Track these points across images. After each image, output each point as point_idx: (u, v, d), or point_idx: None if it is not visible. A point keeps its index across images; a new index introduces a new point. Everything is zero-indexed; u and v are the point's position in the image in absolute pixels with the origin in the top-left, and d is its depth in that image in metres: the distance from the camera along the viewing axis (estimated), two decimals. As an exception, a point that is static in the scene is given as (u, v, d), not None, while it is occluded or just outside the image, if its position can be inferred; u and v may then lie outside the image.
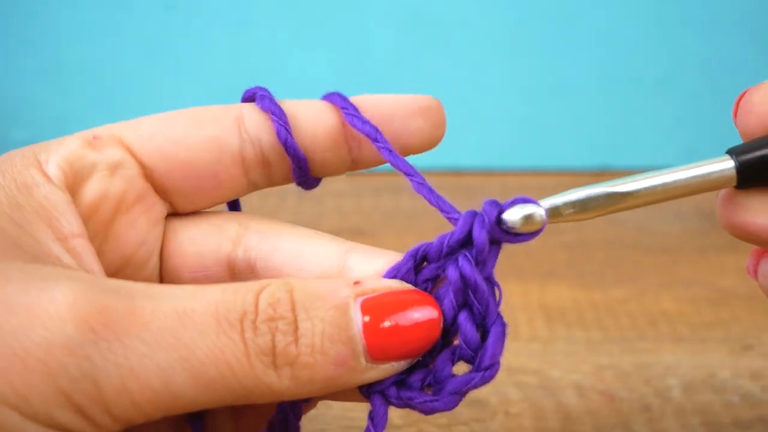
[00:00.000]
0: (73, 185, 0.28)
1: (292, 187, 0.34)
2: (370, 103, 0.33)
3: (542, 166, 0.77)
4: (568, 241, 0.64)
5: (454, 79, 0.75)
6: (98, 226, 0.29)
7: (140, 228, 0.30)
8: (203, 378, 0.23)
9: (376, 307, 0.25)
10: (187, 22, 0.75)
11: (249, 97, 0.32)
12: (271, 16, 0.75)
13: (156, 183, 0.30)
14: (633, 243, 0.61)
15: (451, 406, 0.26)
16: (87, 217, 0.28)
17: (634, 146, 0.76)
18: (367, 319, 0.25)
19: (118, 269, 0.29)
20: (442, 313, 0.26)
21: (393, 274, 0.27)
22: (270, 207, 0.34)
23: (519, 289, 0.56)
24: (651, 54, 0.76)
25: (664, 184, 0.27)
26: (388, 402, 0.26)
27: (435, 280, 0.27)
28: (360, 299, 0.25)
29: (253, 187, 0.32)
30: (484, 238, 0.26)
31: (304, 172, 0.31)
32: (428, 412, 0.26)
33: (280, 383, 0.24)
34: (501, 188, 0.74)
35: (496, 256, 0.27)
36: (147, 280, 0.30)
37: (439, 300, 0.26)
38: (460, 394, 0.26)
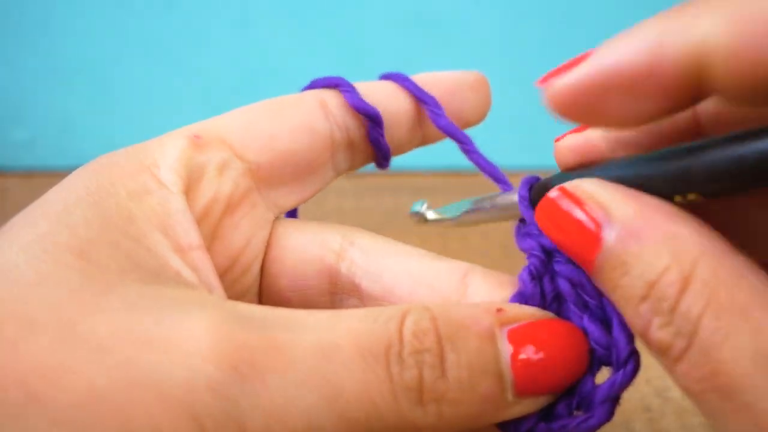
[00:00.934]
0: (188, 189, 0.27)
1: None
2: (430, 81, 0.32)
3: (542, 166, 0.77)
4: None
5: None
6: (208, 229, 0.27)
7: (244, 228, 0.29)
8: (347, 417, 0.22)
9: (522, 337, 0.23)
10: (187, 22, 0.75)
11: (328, 85, 0.31)
12: (271, 16, 0.75)
13: (260, 178, 0.29)
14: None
15: (607, 417, 0.24)
16: (199, 222, 0.27)
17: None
18: (515, 352, 0.23)
19: (224, 272, 0.28)
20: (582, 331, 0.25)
21: (520, 299, 0.26)
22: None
23: (519, 289, 0.56)
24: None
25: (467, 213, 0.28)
26: None
27: (558, 296, 0.26)
28: (505, 329, 0.23)
29: (338, 172, 0.32)
30: (549, 242, 0.25)
31: (380, 133, 0.31)
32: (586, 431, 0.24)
33: (425, 420, 0.22)
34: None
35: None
36: (249, 284, 0.29)
37: (568, 318, 0.25)
38: (610, 401, 0.24)
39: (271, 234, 0.30)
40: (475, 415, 0.23)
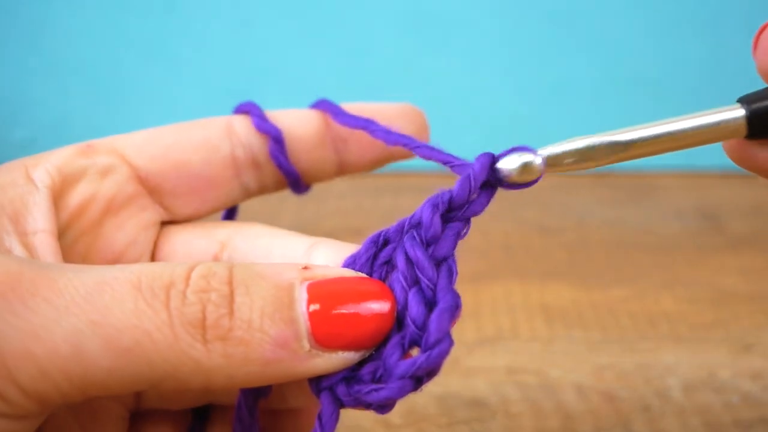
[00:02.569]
0: (60, 188, 0.29)
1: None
2: (355, 110, 0.33)
3: (542, 166, 0.77)
4: (568, 241, 0.64)
5: (454, 79, 0.75)
6: (86, 227, 0.29)
7: (129, 229, 0.30)
8: (117, 345, 0.21)
9: (323, 292, 0.24)
10: (187, 22, 0.75)
11: (240, 111, 0.33)
12: (271, 16, 0.75)
13: (150, 185, 0.31)
14: (633, 243, 0.61)
15: (399, 394, 0.23)
16: (74, 218, 0.29)
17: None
18: (314, 306, 0.23)
19: None
20: (396, 298, 0.24)
21: (351, 261, 0.26)
22: (270, 208, 0.34)
23: (519, 289, 0.56)
24: (651, 54, 0.76)
25: (669, 133, 0.25)
26: (338, 400, 0.24)
27: (391, 263, 0.26)
28: (306, 283, 0.24)
29: (246, 192, 0.33)
30: (428, 216, 0.25)
31: (296, 182, 0.33)
32: (378, 404, 0.24)
33: (210, 359, 0.22)
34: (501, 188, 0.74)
35: (487, 202, 0.27)
36: None
37: (392, 285, 0.25)
38: (409, 378, 0.23)
39: (162, 234, 0.31)
40: (271, 361, 0.23)
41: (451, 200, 0.26)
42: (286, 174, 0.32)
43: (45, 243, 0.27)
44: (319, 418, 0.24)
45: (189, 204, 0.32)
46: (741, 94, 0.27)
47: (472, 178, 0.26)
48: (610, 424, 0.41)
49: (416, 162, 0.35)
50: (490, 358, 0.47)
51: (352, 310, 0.24)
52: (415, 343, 0.24)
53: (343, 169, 0.34)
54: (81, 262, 0.29)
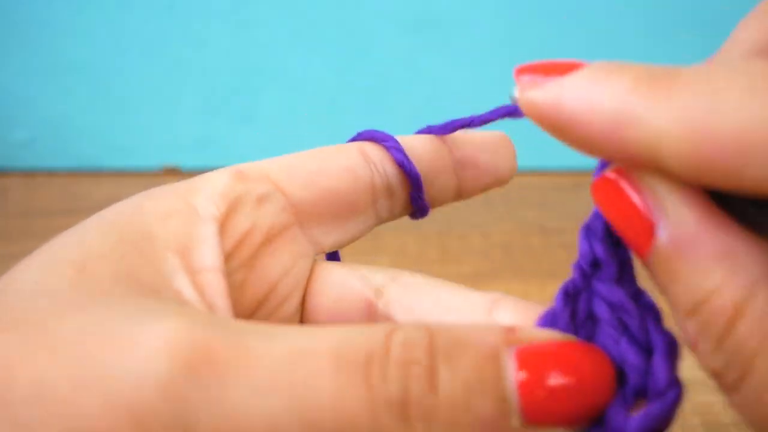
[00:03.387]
0: (223, 218, 0.27)
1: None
2: (463, 138, 0.33)
3: (542, 166, 0.77)
4: (568, 241, 0.64)
5: (455, 79, 0.75)
6: (245, 258, 0.27)
7: (284, 258, 0.29)
8: (319, 428, 0.20)
9: (534, 359, 0.21)
10: (187, 22, 0.75)
11: (369, 138, 0.32)
12: (271, 16, 0.75)
13: (301, 213, 0.29)
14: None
15: None
16: (235, 249, 0.27)
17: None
18: (524, 376, 0.20)
19: (260, 302, 0.28)
20: (608, 353, 0.22)
21: (551, 320, 0.23)
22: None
23: (519, 289, 0.56)
24: (651, 54, 0.76)
25: None
26: None
27: (592, 317, 0.23)
28: (514, 348, 0.21)
29: (378, 220, 0.32)
30: (602, 251, 0.23)
31: (419, 194, 0.32)
32: None
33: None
34: (502, 188, 0.74)
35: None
36: (288, 317, 0.29)
37: (600, 342, 0.22)
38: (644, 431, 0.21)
39: (312, 269, 0.30)
40: None
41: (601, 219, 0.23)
42: (418, 208, 0.32)
43: (215, 283, 0.25)
44: None
45: (332, 233, 0.30)
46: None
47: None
48: (610, 425, 0.41)
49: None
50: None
51: (569, 382, 0.21)
52: (638, 395, 0.21)
53: (459, 195, 0.33)
54: (237, 294, 0.27)
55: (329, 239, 0.30)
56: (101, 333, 0.20)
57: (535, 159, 0.78)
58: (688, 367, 0.49)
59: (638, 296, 0.23)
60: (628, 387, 0.21)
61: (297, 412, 0.19)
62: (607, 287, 0.23)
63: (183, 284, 0.24)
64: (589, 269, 0.23)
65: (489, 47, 0.75)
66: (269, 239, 0.28)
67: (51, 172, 0.76)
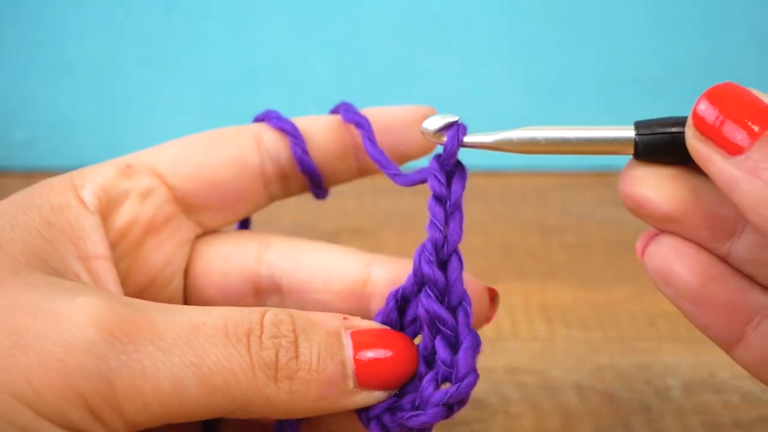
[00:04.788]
0: (106, 211, 0.30)
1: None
2: (372, 115, 0.34)
3: (542, 166, 0.77)
4: (568, 241, 0.64)
5: (454, 79, 0.75)
6: (128, 248, 0.31)
7: (167, 249, 0.32)
8: (210, 384, 0.25)
9: (362, 338, 0.28)
10: (187, 22, 0.75)
11: (261, 119, 0.34)
12: (271, 16, 0.75)
13: (184, 204, 0.32)
14: (633, 243, 0.61)
15: (434, 419, 0.28)
16: (117, 240, 0.31)
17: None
18: (353, 347, 0.27)
19: (143, 288, 0.32)
20: (424, 344, 0.29)
21: (382, 318, 0.30)
22: (271, 208, 0.34)
23: (519, 289, 0.56)
24: (651, 54, 0.76)
25: (566, 139, 0.29)
26: (384, 427, 0.29)
27: (417, 320, 0.30)
28: (349, 331, 0.28)
29: (272, 199, 0.34)
30: (429, 271, 0.29)
31: (319, 185, 0.34)
32: (417, 428, 0.28)
33: (278, 396, 0.26)
34: (501, 188, 0.74)
35: (462, 185, 0.30)
36: (169, 298, 0.33)
37: (423, 337, 0.30)
38: (443, 405, 0.28)
39: (194, 249, 0.33)
40: (322, 396, 0.27)
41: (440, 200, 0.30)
42: (309, 177, 0.33)
43: (106, 269, 0.30)
44: None
45: (220, 217, 0.33)
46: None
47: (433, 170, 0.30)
48: (610, 424, 0.41)
49: (416, 162, 0.35)
50: (490, 359, 0.47)
51: (385, 355, 0.28)
52: (446, 378, 0.28)
53: (361, 173, 0.35)
54: (123, 280, 0.31)
55: (215, 222, 0.34)
56: (30, 307, 0.24)
57: (535, 159, 0.78)
58: (688, 367, 0.49)
59: (460, 303, 0.29)
60: (439, 371, 0.29)
61: (195, 369, 0.25)
62: (427, 301, 0.29)
63: (79, 269, 0.29)
64: (417, 285, 0.30)
65: (489, 47, 0.75)
66: (152, 230, 0.32)
67: (51, 172, 0.76)
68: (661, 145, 0.28)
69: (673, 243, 0.29)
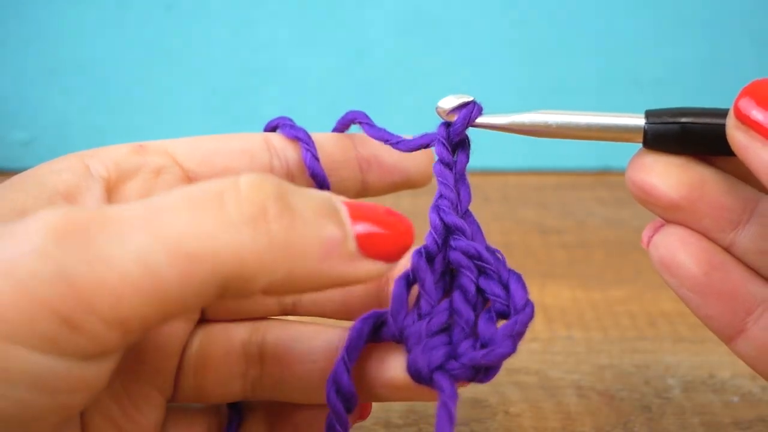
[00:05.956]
0: (115, 182, 0.30)
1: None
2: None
3: (542, 166, 0.77)
4: (568, 241, 0.64)
5: (454, 79, 0.75)
6: None
7: None
8: (181, 251, 0.22)
9: (358, 209, 0.25)
10: (187, 22, 0.75)
11: (272, 127, 0.35)
12: (271, 16, 0.75)
13: None
14: (633, 243, 0.61)
15: (509, 350, 0.27)
16: None
17: (635, 147, 0.76)
18: (350, 214, 0.25)
19: None
20: (464, 289, 0.28)
21: (408, 276, 0.29)
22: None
23: (519, 289, 0.56)
24: (651, 54, 0.76)
25: (577, 125, 0.30)
26: (453, 376, 0.26)
27: (448, 271, 0.29)
28: (341, 199, 0.26)
29: None
30: (456, 221, 0.29)
31: (325, 190, 0.33)
32: (493, 364, 0.27)
33: (272, 248, 0.23)
34: (501, 188, 0.74)
35: (467, 152, 0.31)
36: None
37: (461, 283, 0.29)
38: (512, 336, 0.27)
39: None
40: (325, 256, 0.24)
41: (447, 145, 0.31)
42: (316, 180, 0.33)
43: None
44: (442, 394, 0.26)
45: None
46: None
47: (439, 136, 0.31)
48: (610, 424, 0.41)
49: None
50: (490, 358, 0.47)
51: (386, 227, 0.26)
52: (501, 315, 0.28)
53: (364, 191, 0.36)
54: None
55: None
56: None
57: (535, 159, 0.78)
58: (688, 367, 0.49)
59: (489, 250, 0.29)
60: (493, 307, 0.28)
61: (161, 241, 0.22)
62: (462, 243, 0.29)
63: None
64: (441, 238, 0.29)
65: (489, 47, 0.75)
66: None
67: (51, 172, 0.76)
68: (671, 135, 0.29)
69: (679, 233, 0.29)
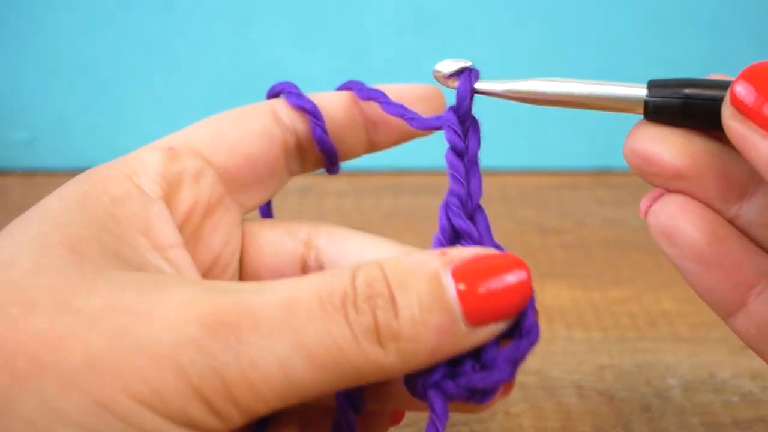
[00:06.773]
0: (168, 198, 0.30)
1: (293, 187, 0.35)
2: (384, 90, 0.34)
3: (542, 166, 0.77)
4: (567, 241, 0.64)
5: (454, 79, 0.75)
6: (191, 232, 0.30)
7: (223, 229, 0.32)
8: (317, 361, 0.24)
9: (467, 273, 0.25)
10: (187, 22, 0.75)
11: (275, 93, 0.34)
12: (271, 16, 0.75)
13: (228, 182, 0.32)
14: (633, 243, 0.61)
15: (508, 375, 0.26)
16: (182, 225, 0.30)
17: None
18: (461, 287, 0.25)
19: (207, 271, 0.31)
20: None
21: (438, 245, 0.28)
22: (272, 206, 0.35)
23: (519, 289, 0.56)
24: (651, 54, 0.76)
25: (577, 93, 0.29)
26: (447, 396, 0.26)
27: None
28: (449, 267, 0.25)
29: (290, 175, 0.34)
30: (463, 224, 0.28)
31: (334, 162, 0.34)
32: (489, 388, 0.26)
33: (387, 358, 0.25)
34: (501, 188, 0.74)
35: (478, 134, 0.31)
36: (231, 278, 0.32)
37: None
38: (513, 362, 0.26)
39: (244, 233, 0.33)
40: (435, 348, 0.25)
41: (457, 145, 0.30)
42: (326, 153, 0.33)
43: (182, 257, 0.29)
44: (433, 413, 0.26)
45: (255, 195, 0.33)
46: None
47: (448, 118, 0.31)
48: (610, 424, 0.41)
49: (416, 162, 0.35)
50: (490, 358, 0.47)
51: (496, 285, 0.25)
52: (505, 337, 0.26)
53: (371, 148, 0.35)
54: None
55: (253, 201, 0.33)
56: (124, 308, 0.24)
57: (534, 159, 0.78)
58: (688, 367, 0.49)
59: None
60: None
61: (299, 350, 0.24)
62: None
63: (158, 261, 0.28)
64: (449, 242, 0.29)
65: (489, 47, 0.75)
66: (209, 212, 0.31)
67: (51, 172, 0.76)
68: (673, 107, 0.28)
69: (680, 201, 0.28)
